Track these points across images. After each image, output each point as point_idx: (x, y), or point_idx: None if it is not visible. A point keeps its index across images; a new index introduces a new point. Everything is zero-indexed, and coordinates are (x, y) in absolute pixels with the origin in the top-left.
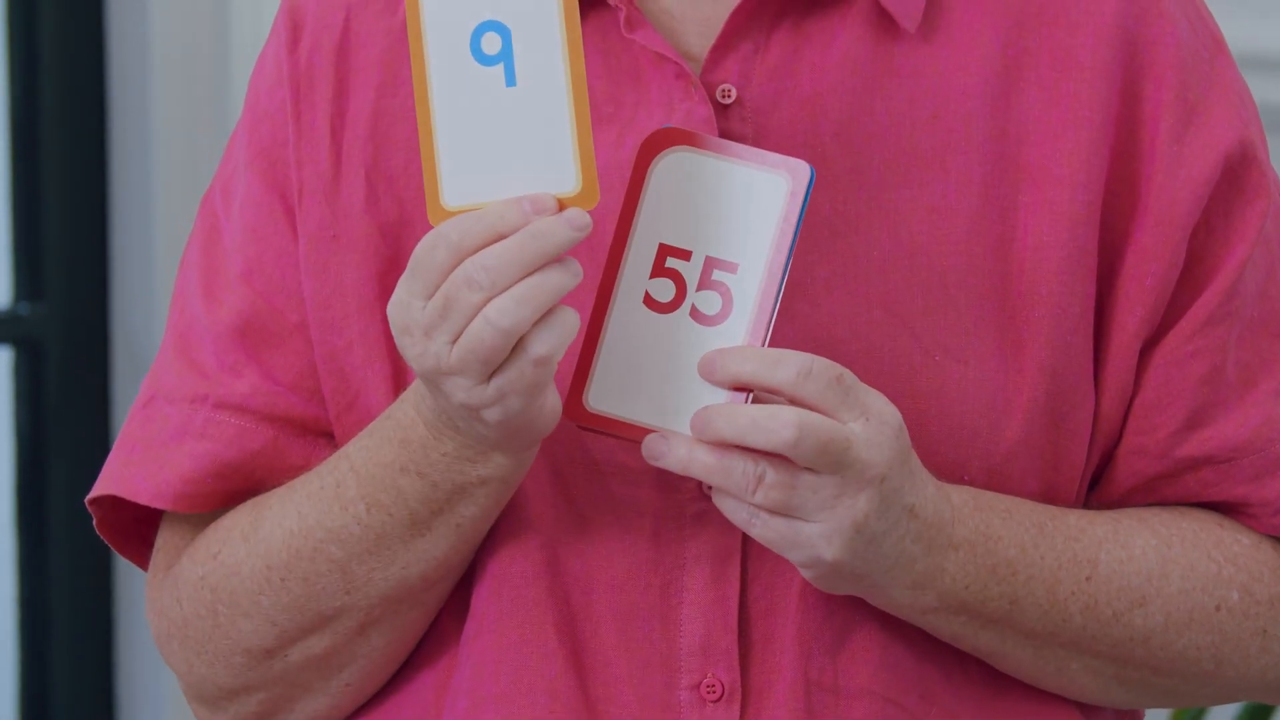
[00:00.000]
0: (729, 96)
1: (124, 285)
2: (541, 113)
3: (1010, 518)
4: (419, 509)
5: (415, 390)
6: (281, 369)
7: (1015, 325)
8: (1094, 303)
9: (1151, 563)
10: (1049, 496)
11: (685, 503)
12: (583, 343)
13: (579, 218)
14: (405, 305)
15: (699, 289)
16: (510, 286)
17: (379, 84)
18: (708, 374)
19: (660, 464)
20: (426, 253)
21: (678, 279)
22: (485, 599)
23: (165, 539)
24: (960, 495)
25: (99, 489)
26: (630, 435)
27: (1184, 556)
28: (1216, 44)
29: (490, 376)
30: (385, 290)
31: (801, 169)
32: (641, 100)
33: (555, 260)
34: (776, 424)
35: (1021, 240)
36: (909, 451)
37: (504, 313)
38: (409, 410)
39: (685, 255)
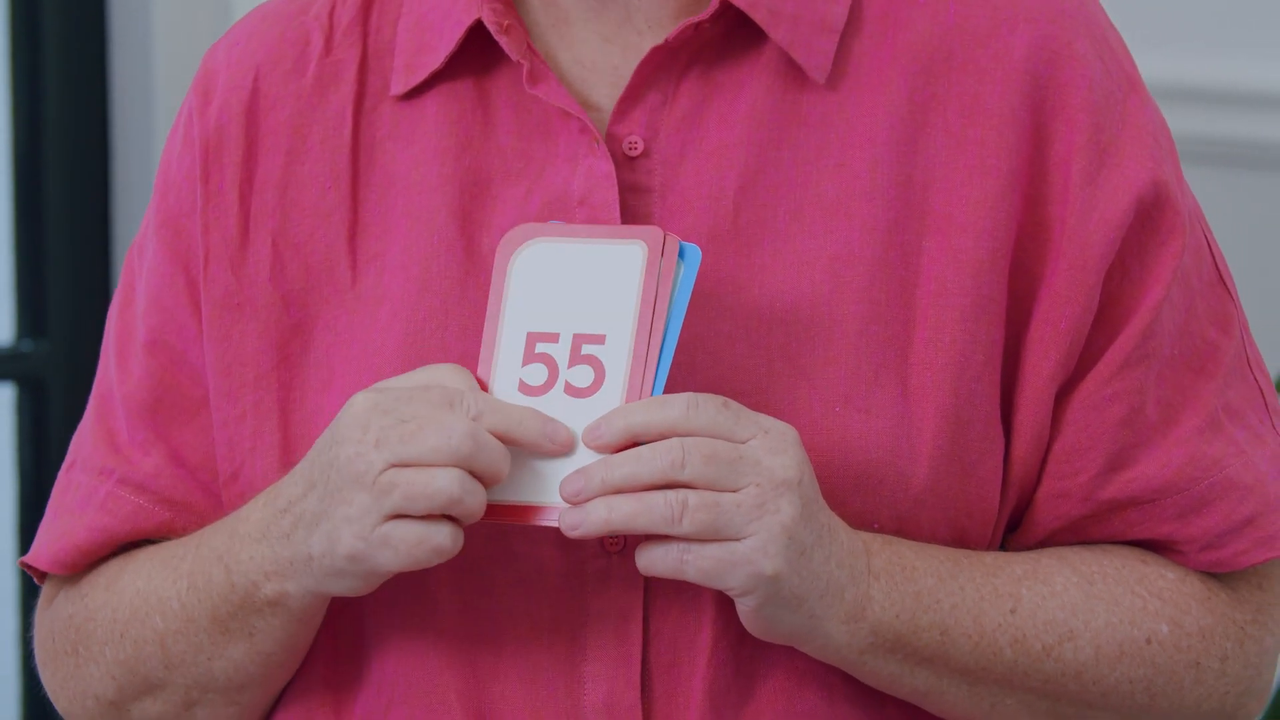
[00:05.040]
0: (635, 149)
1: None
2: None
3: (923, 551)
4: (220, 605)
5: (277, 484)
6: (189, 447)
7: (917, 372)
8: (1001, 349)
9: (1075, 597)
10: (962, 543)
11: (587, 559)
12: None
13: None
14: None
15: (570, 366)
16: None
17: (288, 149)
18: (594, 440)
19: (581, 531)
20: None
21: (549, 361)
22: (393, 671)
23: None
24: (868, 535)
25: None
26: (526, 519)
27: (1107, 591)
28: (1130, 84)
29: (406, 516)
30: (283, 359)
31: (654, 234)
32: (550, 155)
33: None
34: (659, 450)
35: (924, 288)
36: (812, 470)
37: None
38: (256, 504)
39: (553, 338)
